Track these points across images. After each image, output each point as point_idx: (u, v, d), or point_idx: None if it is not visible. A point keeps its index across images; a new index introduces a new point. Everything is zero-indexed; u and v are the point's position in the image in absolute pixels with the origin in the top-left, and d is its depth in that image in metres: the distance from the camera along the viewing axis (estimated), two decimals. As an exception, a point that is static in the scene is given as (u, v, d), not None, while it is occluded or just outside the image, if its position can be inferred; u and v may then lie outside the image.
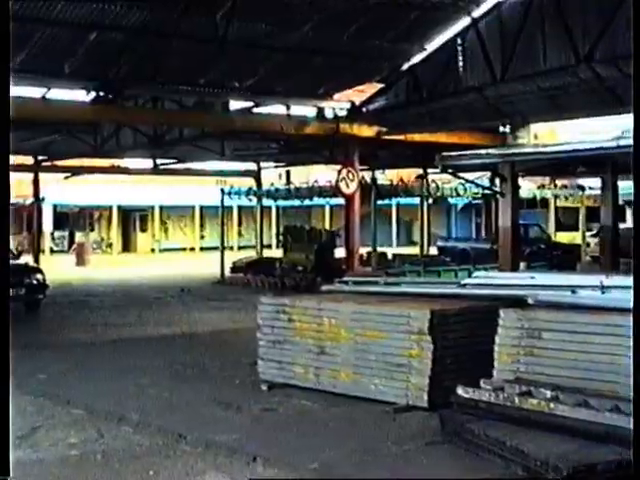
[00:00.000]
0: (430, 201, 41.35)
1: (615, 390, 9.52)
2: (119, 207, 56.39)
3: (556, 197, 44.62)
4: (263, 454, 9.29)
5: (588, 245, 41.83)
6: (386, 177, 40.25)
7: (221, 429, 10.56)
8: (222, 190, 36.58)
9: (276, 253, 37.64)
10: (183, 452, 9.59)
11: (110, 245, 57.23)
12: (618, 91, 22.17)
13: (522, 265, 24.93)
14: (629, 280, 12.59)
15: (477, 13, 24.20)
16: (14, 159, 33.82)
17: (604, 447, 8.44)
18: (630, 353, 9.57)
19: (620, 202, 35.96)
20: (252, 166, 41.91)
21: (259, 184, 40.48)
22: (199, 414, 11.38)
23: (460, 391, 10.05)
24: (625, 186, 39.30)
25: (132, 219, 60.45)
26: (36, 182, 42.09)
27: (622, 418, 8.61)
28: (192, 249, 57.63)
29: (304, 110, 28.34)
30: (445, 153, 24.85)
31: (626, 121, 23.00)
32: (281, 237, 34.58)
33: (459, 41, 24.95)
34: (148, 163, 41.56)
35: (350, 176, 27.50)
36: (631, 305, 6.93)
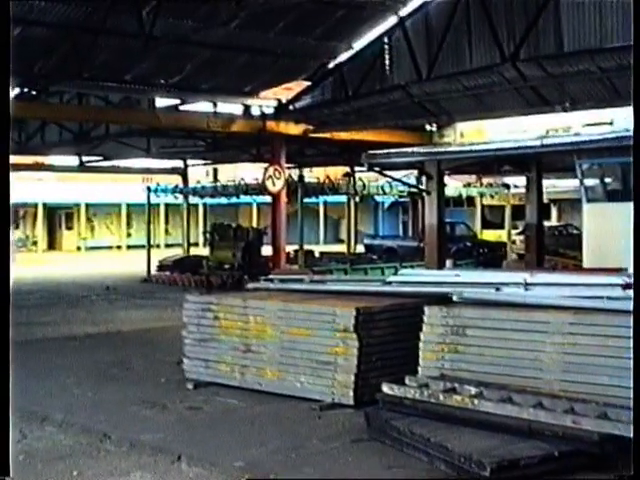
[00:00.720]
0: (357, 199, 41.53)
1: (538, 386, 9.68)
2: (44, 204, 55.75)
3: (482, 195, 44.99)
4: (188, 453, 9.27)
5: (514, 243, 42.30)
6: (313, 175, 40.36)
7: (146, 428, 10.51)
8: (148, 188, 36.49)
9: (203, 251, 37.53)
10: (107, 452, 9.52)
11: (35, 243, 56.52)
12: (542, 90, 22.48)
13: (448, 263, 25.16)
14: (553, 277, 12.84)
15: (404, 12, 24.38)
16: None
17: (527, 442, 8.54)
18: (549, 348, 9.79)
19: (545, 200, 36.46)
20: (179, 164, 41.72)
21: (186, 182, 40.30)
22: (124, 413, 11.29)
23: (385, 388, 10.13)
24: (549, 184, 39.91)
25: (58, 217, 59.79)
26: (-41, 179, 41.33)
27: (545, 414, 8.74)
28: (119, 247, 57.25)
29: (231, 108, 28.30)
30: (371, 151, 25.05)
31: (551, 120, 23.45)
32: (208, 235, 34.47)
33: (386, 40, 25.09)
34: (74, 160, 41.12)
35: (277, 174, 27.55)
36: (631, 307, 6.98)
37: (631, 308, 8.80)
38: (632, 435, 6.23)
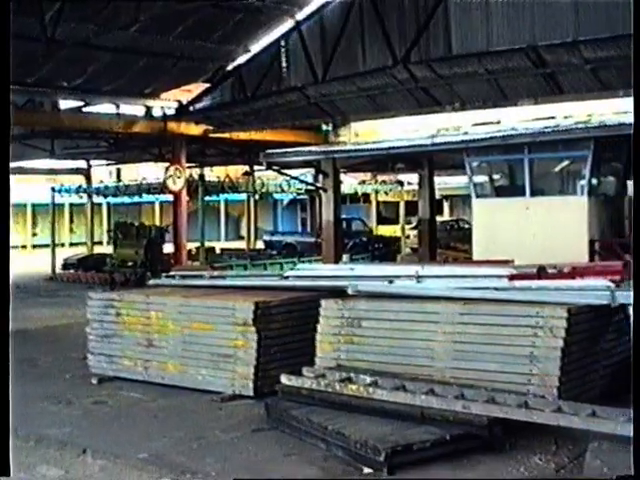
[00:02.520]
0: (257, 197, 41.82)
1: (430, 374, 10.11)
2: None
3: (377, 192, 45.70)
4: (93, 446, 9.45)
5: (408, 237, 42.98)
6: (214, 174, 40.50)
7: (52, 423, 10.66)
8: (53, 188, 36.64)
9: (107, 249, 37.37)
10: (14, 447, 9.60)
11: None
12: (432, 91, 23.11)
13: (345, 257, 25.52)
14: (444, 269, 13.32)
15: (300, 16, 24.78)
16: None
17: (420, 428, 8.89)
18: (440, 338, 10.26)
19: (437, 196, 37.12)
20: (83, 164, 41.43)
21: (89, 182, 40.09)
22: (30, 409, 11.31)
23: (284, 379, 10.40)
24: (441, 181, 40.64)
25: (-39, 218, 58.53)
26: None
27: (436, 400, 9.11)
28: (24, 247, 56.35)
29: (133, 109, 28.39)
30: (270, 151, 25.36)
31: (441, 120, 24.06)
32: (111, 233, 34.40)
33: (282, 43, 25.46)
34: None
35: (177, 173, 27.78)
36: (631, 306, 7.25)
37: (530, 299, 9.38)
38: (632, 435, 6.44)
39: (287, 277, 14.02)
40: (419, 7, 22.66)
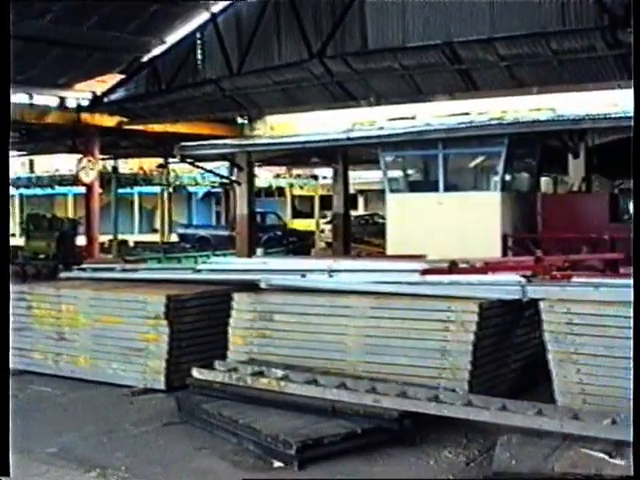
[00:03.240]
0: (171, 190, 41.61)
1: (342, 368, 10.13)
2: None
3: (292, 186, 45.81)
4: None
5: (322, 231, 43.12)
6: (128, 166, 40.18)
7: (-42, 418, 10.48)
8: (-38, 180, 35.62)
9: (20, 241, 36.89)
10: None
11: None
12: (348, 86, 23.22)
13: (259, 251, 25.50)
14: (357, 264, 13.37)
15: (216, 8, 24.72)
16: None
17: (332, 421, 8.88)
18: (352, 331, 10.27)
19: (352, 191, 37.31)
20: (-6, 154, 40.76)
21: (1, 172, 39.46)
22: None
23: (195, 373, 10.34)
24: (356, 175, 40.80)
25: None
26: None
27: (348, 394, 9.12)
28: None
29: (46, 99, 28.04)
30: (184, 143, 25.25)
31: (357, 114, 24.15)
32: (23, 225, 33.94)
33: (198, 35, 25.38)
34: None
35: (90, 165, 27.46)
36: (631, 304, 7.25)
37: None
38: (632, 434, 6.49)
39: (200, 271, 13.96)
40: (335, 1, 22.75)
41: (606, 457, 7.41)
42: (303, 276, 11.72)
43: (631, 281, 10.20)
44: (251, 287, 11.61)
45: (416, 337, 9.83)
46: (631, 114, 20.24)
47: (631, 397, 6.49)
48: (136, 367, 11.75)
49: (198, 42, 25.36)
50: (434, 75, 22.68)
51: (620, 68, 22.94)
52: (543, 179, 30.77)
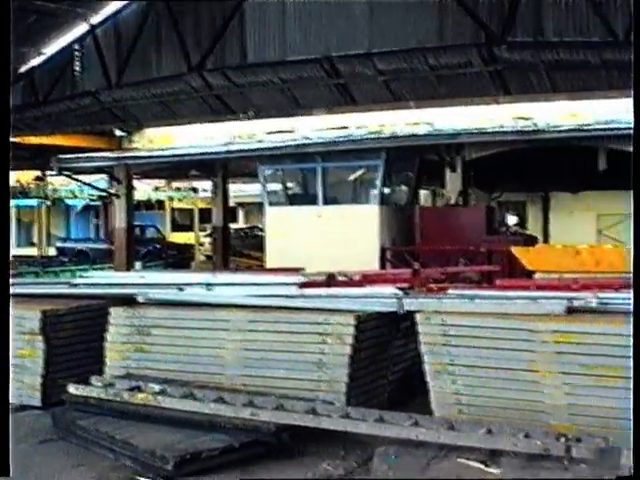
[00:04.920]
0: (48, 203, 40.99)
1: (219, 382, 10.09)
2: None
3: (171, 199, 45.52)
4: None
5: (202, 245, 42.95)
6: (4, 179, 39.43)
7: None
8: None
9: None
10: None
11: None
12: (227, 99, 23.23)
13: (138, 265, 25.29)
14: (235, 277, 13.35)
15: (95, 20, 24.46)
16: None
17: (209, 435, 8.83)
18: (229, 345, 10.25)
19: (232, 203, 37.28)
20: None
21: None
22: None
23: (72, 389, 10.13)
24: (237, 188, 40.77)
25: None
26: None
27: (225, 407, 9.08)
28: None
29: None
30: (62, 156, 24.92)
31: (237, 127, 24.17)
32: None
33: (77, 46, 25.10)
34: None
35: (-39, 178, 26.88)
36: (631, 308, 7.20)
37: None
38: (632, 434, 6.36)
39: (77, 285, 13.75)
40: (215, 15, 22.77)
41: (482, 466, 7.53)
42: (181, 290, 11.68)
43: (538, 293, 10.49)
44: (128, 301, 11.49)
45: (294, 350, 9.84)
46: (504, 129, 20.65)
47: (631, 397, 6.47)
48: (11, 384, 11.47)
49: (76, 54, 25.08)
50: (313, 89, 22.86)
51: (496, 83, 23.45)
52: (422, 192, 31.20)
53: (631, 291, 7.29)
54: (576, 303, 9.56)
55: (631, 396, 6.44)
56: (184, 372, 10.38)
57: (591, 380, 8.41)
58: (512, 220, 36.47)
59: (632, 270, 7.00)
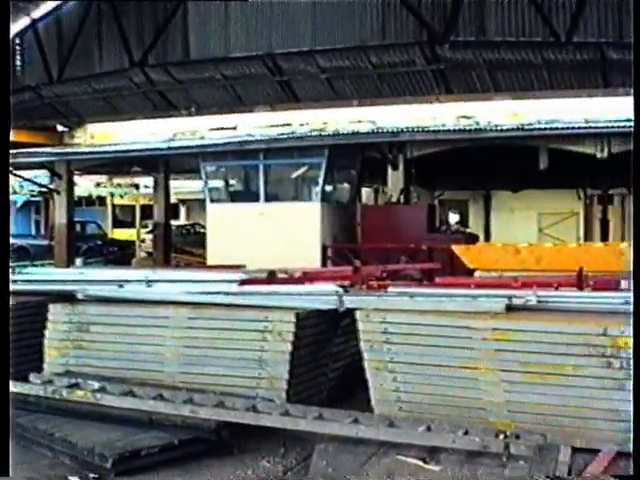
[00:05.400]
0: (-13, 198, 40.56)
1: (159, 379, 10.03)
2: None
3: (113, 195, 45.23)
4: None
5: (143, 241, 42.71)
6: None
7: None
8: None
9: None
10: None
11: None
12: (169, 95, 23.14)
13: (78, 261, 25.09)
14: (176, 274, 13.30)
15: (36, 14, 24.23)
16: None
17: (149, 433, 8.81)
18: (169, 342, 10.22)
19: (174, 200, 37.14)
20: None
21: None
22: None
23: (10, 386, 10.08)
24: (179, 185, 40.61)
25: None
26: None
27: (165, 405, 9.06)
28: None
29: None
30: (2, 151, 24.70)
31: (179, 124, 24.10)
32: None
33: (17, 41, 24.88)
34: None
35: None
36: (631, 308, 7.16)
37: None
38: (632, 435, 6.44)
39: (16, 281, 13.58)
40: (158, 10, 22.67)
41: (420, 463, 7.58)
42: (121, 286, 11.61)
43: (478, 291, 10.56)
44: (68, 298, 11.38)
45: (234, 347, 9.82)
46: (447, 128, 20.78)
47: (631, 397, 6.58)
48: (-55, 383, 11.35)
49: (17, 48, 24.85)
50: (256, 86, 22.86)
51: (438, 82, 23.60)
52: (364, 190, 31.28)
53: (631, 291, 7.43)
54: (516, 301, 9.62)
55: (631, 396, 6.60)
56: (124, 369, 10.28)
57: (530, 377, 8.47)
58: (454, 218, 36.70)
59: (632, 270, 7.18)
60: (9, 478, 5.84)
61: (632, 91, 6.97)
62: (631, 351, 7.95)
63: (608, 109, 20.48)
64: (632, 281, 7.26)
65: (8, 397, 5.87)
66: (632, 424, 6.50)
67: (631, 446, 6.44)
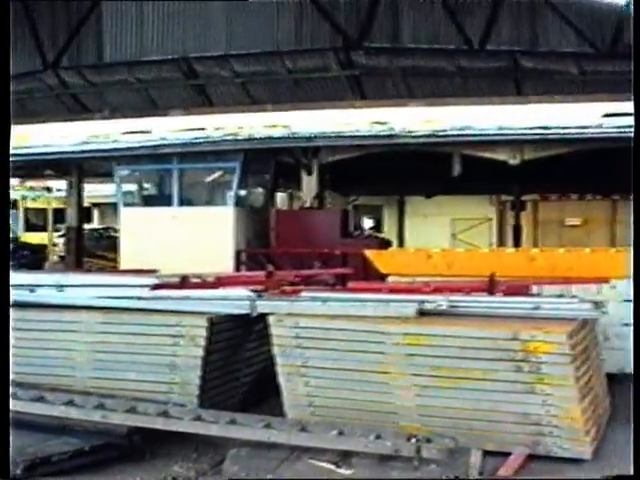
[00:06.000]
0: None
1: (71, 384, 9.96)
2: None
3: (24, 198, 44.60)
4: None
5: (55, 245, 42.21)
6: None
7: None
8: None
9: None
10: None
11: None
12: (83, 98, 22.91)
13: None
14: (87, 278, 13.15)
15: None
16: None
17: (60, 439, 8.71)
18: (80, 347, 10.14)
19: (87, 204, 36.76)
20: None
21: None
22: None
23: None
24: (92, 188, 40.21)
25: None
26: None
27: (76, 410, 8.98)
28: None
29: None
30: None
31: (92, 127, 23.86)
32: None
33: None
34: None
35: None
36: (631, 308, 7.08)
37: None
38: (632, 435, 6.45)
39: None
40: (72, 11, 22.45)
41: (333, 467, 7.63)
42: (32, 291, 11.42)
43: (390, 296, 10.62)
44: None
45: (146, 352, 9.80)
46: (361, 133, 20.90)
47: (631, 397, 6.62)
48: None
49: None
50: (170, 89, 22.74)
51: (353, 88, 23.72)
52: (279, 195, 31.31)
53: (631, 291, 7.49)
54: (427, 306, 9.73)
55: (631, 396, 6.65)
56: (34, 374, 10.18)
57: (441, 381, 8.58)
58: (368, 224, 36.93)
59: (632, 270, 7.22)
60: None
61: (632, 90, 7.05)
62: (541, 355, 8.12)
63: (521, 116, 20.75)
64: (632, 281, 7.33)
65: (8, 398, 5.81)
66: (632, 424, 6.59)
67: (631, 446, 6.49)
